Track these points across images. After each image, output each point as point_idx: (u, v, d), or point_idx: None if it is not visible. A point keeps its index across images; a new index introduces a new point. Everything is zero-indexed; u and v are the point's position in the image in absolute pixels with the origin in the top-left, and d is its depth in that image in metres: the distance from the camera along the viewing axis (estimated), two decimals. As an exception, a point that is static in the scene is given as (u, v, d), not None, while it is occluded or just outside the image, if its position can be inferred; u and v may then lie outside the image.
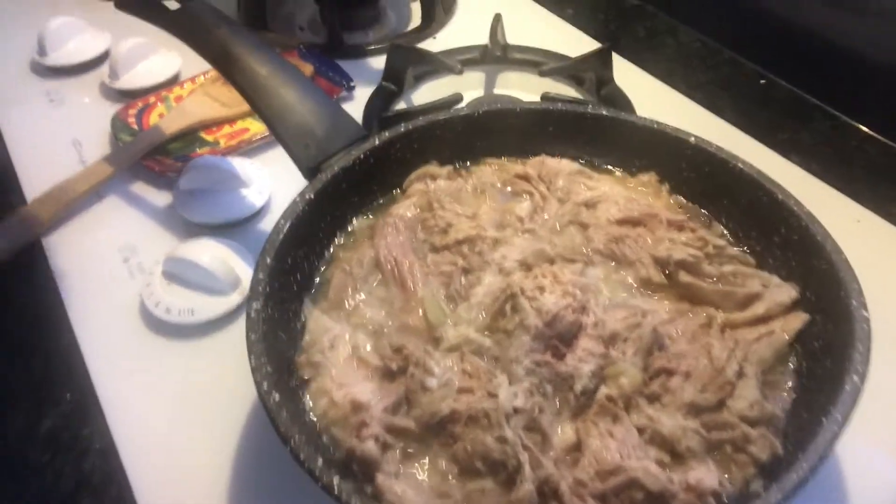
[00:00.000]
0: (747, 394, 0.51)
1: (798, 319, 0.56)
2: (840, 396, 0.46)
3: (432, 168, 0.70)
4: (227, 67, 0.69)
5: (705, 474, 0.47)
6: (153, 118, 0.91)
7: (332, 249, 0.65)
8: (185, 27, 0.71)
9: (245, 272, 0.72)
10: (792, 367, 0.55)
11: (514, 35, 0.99)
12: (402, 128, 0.68)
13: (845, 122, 0.92)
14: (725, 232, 0.65)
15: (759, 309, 0.57)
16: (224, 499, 0.58)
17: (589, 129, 0.70)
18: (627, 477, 0.46)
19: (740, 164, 0.62)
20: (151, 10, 0.72)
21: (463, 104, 0.87)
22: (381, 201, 0.70)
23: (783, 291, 0.58)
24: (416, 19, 1.14)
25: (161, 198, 0.83)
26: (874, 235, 0.77)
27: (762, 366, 0.54)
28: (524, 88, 0.96)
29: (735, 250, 0.62)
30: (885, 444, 0.60)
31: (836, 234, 0.57)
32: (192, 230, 0.78)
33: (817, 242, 0.56)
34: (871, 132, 0.90)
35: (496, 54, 0.97)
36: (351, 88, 0.98)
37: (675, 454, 0.49)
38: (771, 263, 0.61)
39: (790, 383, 0.54)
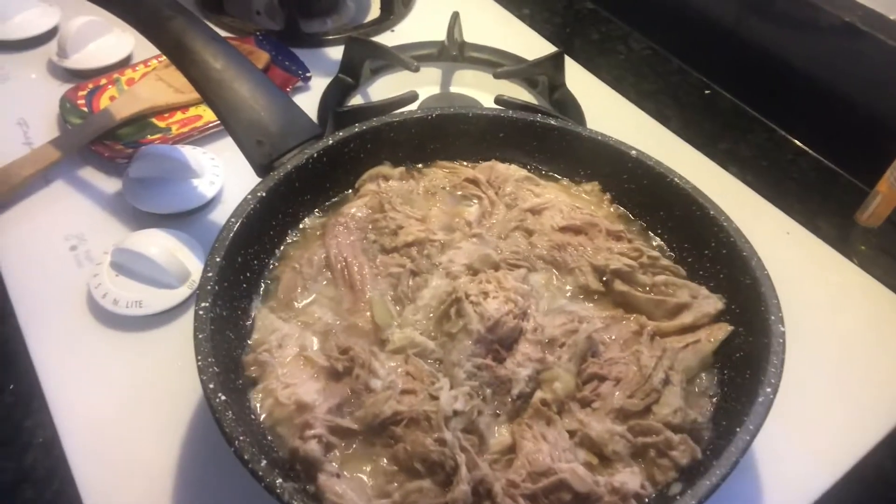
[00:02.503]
0: (672, 401, 0.54)
1: (722, 330, 0.59)
2: (753, 407, 0.50)
3: (385, 168, 0.72)
4: (180, 59, 0.69)
5: (629, 478, 0.50)
6: (104, 101, 0.90)
7: (282, 247, 0.66)
8: (140, 15, 0.70)
9: (195, 265, 0.72)
10: (715, 375, 0.59)
11: (471, 33, 1.00)
12: (356, 128, 0.69)
13: (781, 136, 0.96)
14: (661, 242, 0.68)
15: (686, 318, 0.60)
16: (168, 492, 0.59)
17: (538, 138, 0.73)
18: (557, 478, 0.49)
19: (676, 179, 0.66)
20: (106, -5, 0.71)
21: (418, 102, 0.88)
22: (334, 200, 0.71)
23: (710, 302, 0.61)
24: (374, 10, 1.14)
25: (110, 184, 0.82)
26: (802, 247, 0.81)
27: (687, 374, 0.57)
28: (479, 87, 0.97)
29: (668, 261, 0.65)
30: (799, 444, 0.64)
31: (766, 245, 0.61)
32: (142, 219, 0.78)
33: (744, 258, 0.60)
34: (803, 146, 0.95)
35: (453, 53, 0.98)
36: (307, 79, 0.98)
37: (602, 457, 0.52)
38: (701, 275, 0.64)
39: (713, 391, 0.58)
